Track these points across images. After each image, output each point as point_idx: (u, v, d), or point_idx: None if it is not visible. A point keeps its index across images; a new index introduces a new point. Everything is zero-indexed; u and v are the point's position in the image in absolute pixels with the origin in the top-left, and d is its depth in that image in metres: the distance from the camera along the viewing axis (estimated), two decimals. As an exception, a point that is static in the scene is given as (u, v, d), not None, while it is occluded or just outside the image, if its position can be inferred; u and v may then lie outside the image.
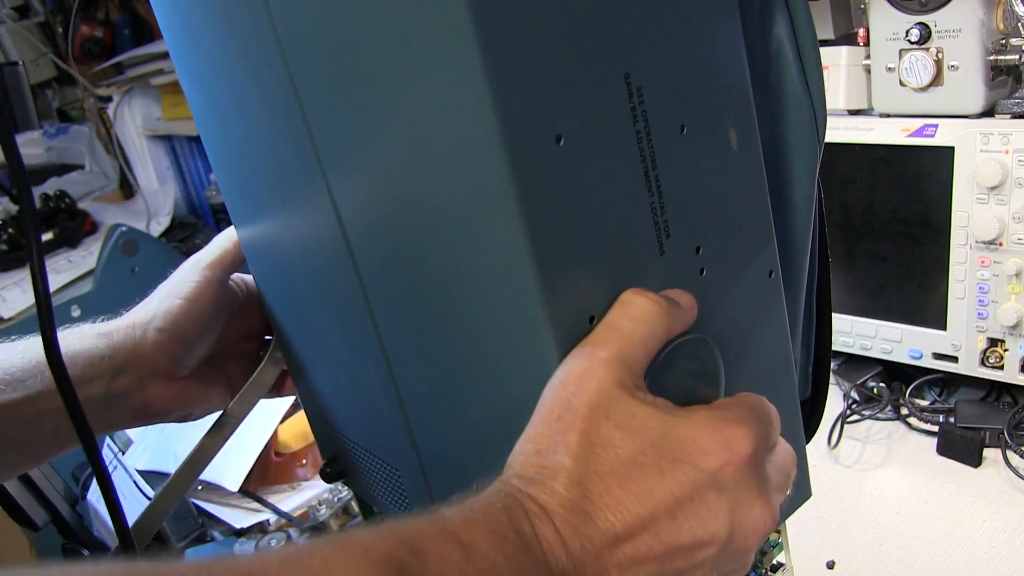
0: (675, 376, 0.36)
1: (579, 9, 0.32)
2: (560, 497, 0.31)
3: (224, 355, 0.57)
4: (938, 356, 0.93)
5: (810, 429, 0.52)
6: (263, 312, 0.56)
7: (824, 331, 0.51)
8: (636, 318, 0.34)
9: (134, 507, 0.98)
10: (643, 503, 0.31)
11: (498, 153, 0.31)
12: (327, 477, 0.57)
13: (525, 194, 0.31)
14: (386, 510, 0.54)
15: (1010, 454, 0.86)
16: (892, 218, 0.92)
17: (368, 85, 0.35)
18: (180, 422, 0.55)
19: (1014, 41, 0.81)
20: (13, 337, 0.51)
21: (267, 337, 0.58)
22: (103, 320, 0.53)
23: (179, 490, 0.55)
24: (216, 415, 0.56)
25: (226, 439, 0.55)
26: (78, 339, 0.50)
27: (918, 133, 0.87)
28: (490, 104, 0.30)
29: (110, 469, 1.06)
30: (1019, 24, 0.80)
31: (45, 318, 0.38)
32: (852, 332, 0.99)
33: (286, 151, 0.42)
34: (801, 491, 0.46)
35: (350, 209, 0.40)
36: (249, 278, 0.56)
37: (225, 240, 0.54)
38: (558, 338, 0.33)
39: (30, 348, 0.49)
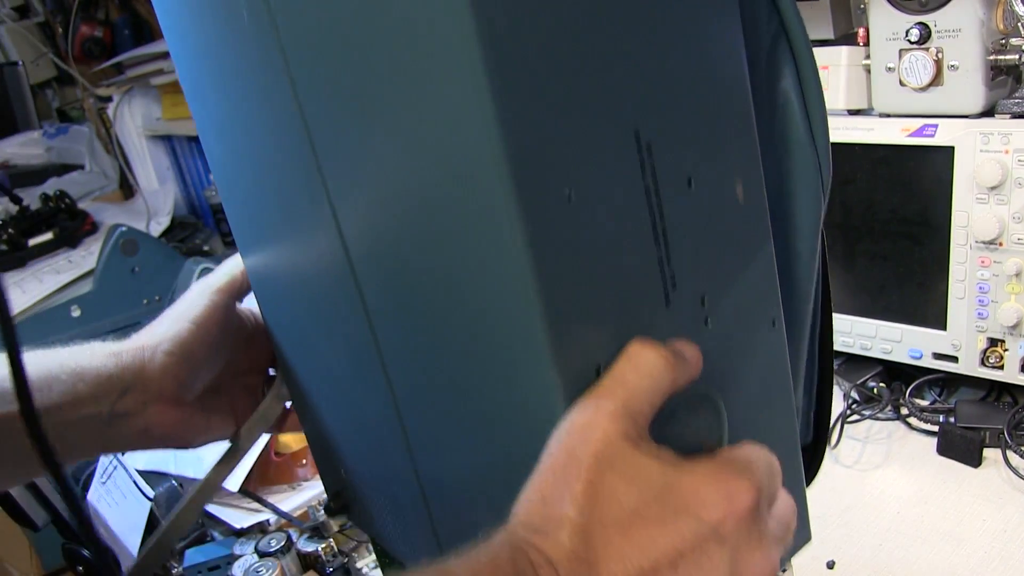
0: (679, 427, 0.36)
1: (592, 69, 0.32)
2: (564, 548, 0.31)
3: (229, 386, 0.56)
4: (938, 356, 0.93)
5: (810, 474, 0.52)
6: (270, 345, 0.56)
7: (825, 377, 0.51)
8: (641, 371, 0.34)
9: (134, 507, 0.98)
10: (645, 553, 0.31)
11: (510, 209, 0.31)
12: (330, 512, 0.57)
13: (536, 248, 0.32)
14: (389, 546, 0.54)
15: (1010, 454, 0.86)
16: (892, 218, 0.92)
17: (379, 137, 0.35)
18: (179, 449, 0.55)
19: (1014, 41, 0.81)
20: None
21: (272, 372, 0.58)
22: (113, 339, 0.53)
23: (185, 523, 0.55)
24: (219, 446, 0.56)
25: (230, 471, 0.56)
26: (89, 356, 0.51)
27: (918, 133, 0.87)
28: (503, 161, 0.30)
29: (110, 469, 1.06)
30: (1019, 24, 0.80)
31: (10, 340, 0.37)
32: (852, 332, 0.99)
33: (293, 183, 0.42)
34: (801, 535, 0.46)
35: (357, 247, 0.40)
36: (258, 309, 0.56)
37: (234, 265, 0.54)
38: (565, 388, 0.34)
39: (32, 362, 0.49)
